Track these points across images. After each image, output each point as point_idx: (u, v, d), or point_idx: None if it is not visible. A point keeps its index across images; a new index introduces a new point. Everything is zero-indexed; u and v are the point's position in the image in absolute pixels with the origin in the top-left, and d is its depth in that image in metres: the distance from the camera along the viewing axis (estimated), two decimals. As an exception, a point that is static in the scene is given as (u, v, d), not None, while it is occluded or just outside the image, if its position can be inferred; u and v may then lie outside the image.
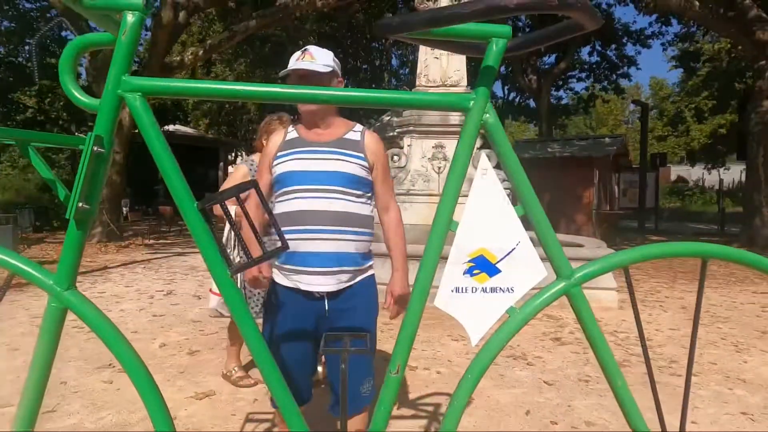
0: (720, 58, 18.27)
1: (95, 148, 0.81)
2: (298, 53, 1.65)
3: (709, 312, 5.24)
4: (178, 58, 12.40)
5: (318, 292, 1.60)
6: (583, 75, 21.59)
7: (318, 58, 1.61)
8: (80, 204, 0.82)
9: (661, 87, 36.50)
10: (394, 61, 22.71)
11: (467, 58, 7.05)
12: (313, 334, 1.62)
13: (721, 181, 19.81)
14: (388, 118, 12.28)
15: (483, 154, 0.95)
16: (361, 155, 1.65)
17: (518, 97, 23.99)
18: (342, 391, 0.96)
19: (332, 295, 1.60)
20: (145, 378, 0.90)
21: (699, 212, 23.41)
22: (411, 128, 6.80)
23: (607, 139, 11.28)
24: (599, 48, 20.00)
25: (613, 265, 0.96)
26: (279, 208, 1.64)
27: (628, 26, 19.35)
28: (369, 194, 1.69)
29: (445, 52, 6.96)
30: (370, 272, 1.69)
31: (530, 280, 0.94)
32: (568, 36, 0.95)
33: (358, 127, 1.75)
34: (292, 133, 1.72)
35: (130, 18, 0.84)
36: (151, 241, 10.68)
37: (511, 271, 0.93)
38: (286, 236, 1.43)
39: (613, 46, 19.77)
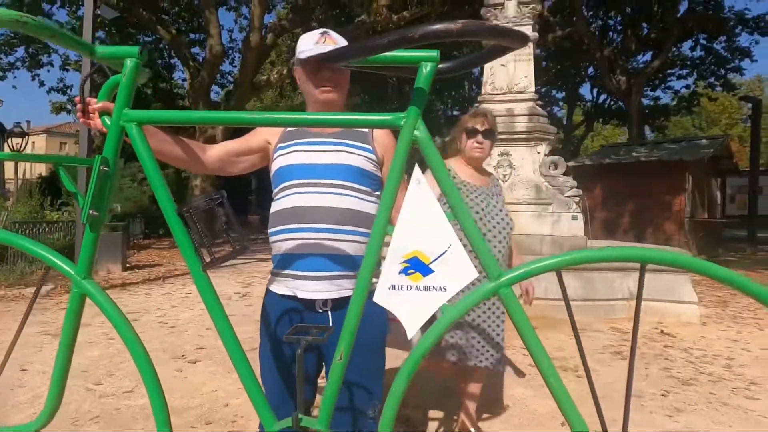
0: None
1: (102, 168, 1.04)
2: (314, 35, 1.42)
3: (812, 333, 4.65)
4: (265, 77, 13.40)
5: (319, 302, 1.39)
6: (685, 72, 19.89)
7: (340, 43, 1.40)
8: (91, 212, 1.04)
9: (784, 80, 32.39)
10: (475, 69, 22.57)
11: (534, 64, 6.90)
12: (316, 350, 1.46)
13: None
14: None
15: (417, 166, 1.04)
16: (369, 147, 1.46)
17: (608, 100, 22.65)
18: (298, 385, 1.09)
19: (336, 306, 1.39)
20: (146, 361, 1.09)
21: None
22: (477, 136, 6.79)
23: (704, 141, 10.31)
24: (703, 41, 18.32)
25: (544, 268, 1.00)
26: (277, 206, 1.44)
27: (742, 14, 17.45)
28: (378, 192, 1.47)
29: (512, 59, 6.88)
30: (376, 280, 1.40)
31: (462, 280, 1.01)
32: (498, 56, 1.02)
33: None
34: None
35: (129, 63, 1.06)
36: (238, 247, 11.54)
37: (443, 271, 1.02)
38: (283, 236, 1.39)
39: (723, 38, 17.99)
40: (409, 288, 1.02)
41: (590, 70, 21.06)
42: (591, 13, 18.36)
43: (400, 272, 1.02)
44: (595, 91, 22.63)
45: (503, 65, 6.91)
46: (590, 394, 1.03)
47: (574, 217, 6.26)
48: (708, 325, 4.83)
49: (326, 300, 1.39)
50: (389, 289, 1.03)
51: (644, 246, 7.00)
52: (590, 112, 23.31)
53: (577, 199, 6.35)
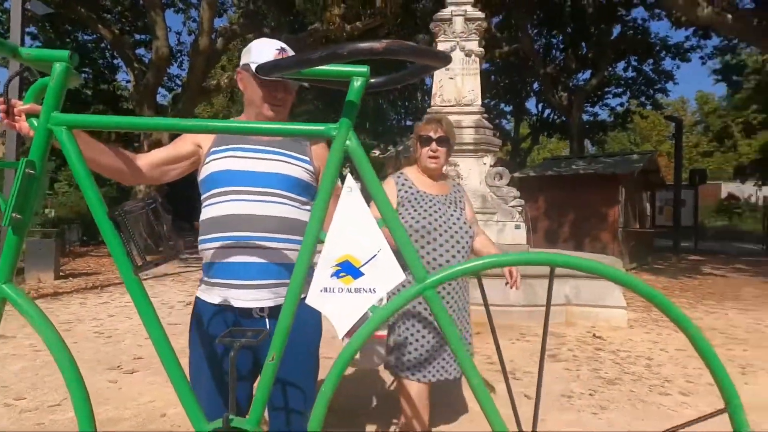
0: (765, 71, 17.55)
1: (27, 170, 1.02)
2: (272, 49, 1.42)
3: (727, 333, 5.08)
4: (215, 82, 13.12)
5: (256, 309, 1.39)
6: (619, 90, 21.20)
7: None
8: (14, 215, 1.02)
9: (706, 101, 35.18)
10: (428, 80, 23.06)
11: (481, 77, 7.17)
12: (253, 361, 1.44)
13: (766, 198, 18.82)
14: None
15: (348, 174, 1.10)
16: (307, 159, 1.49)
17: (552, 114, 23.73)
18: (231, 386, 1.11)
19: (273, 313, 1.38)
20: (72, 369, 1.07)
21: (750, 232, 22.26)
22: (425, 147, 6.95)
23: (635, 156, 11.04)
24: (635, 63, 19.62)
25: (465, 271, 1.08)
26: (209, 212, 1.43)
27: (665, 40, 18.93)
28: (309, 200, 1.50)
29: (460, 73, 7.12)
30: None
31: (390, 283, 1.07)
32: (424, 74, 1.10)
33: None
34: None
35: (58, 67, 1.05)
36: (186, 256, 11.18)
37: (373, 274, 1.07)
38: (217, 243, 1.39)
39: (650, 61, 19.36)
40: (340, 290, 1.07)
41: (535, 85, 22.02)
42: (536, 31, 19.24)
43: (332, 275, 1.07)
44: (540, 105, 23.69)
45: (451, 78, 7.13)
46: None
47: (517, 226, 6.52)
48: (634, 328, 5.15)
49: (263, 308, 1.40)
50: (321, 291, 1.07)
51: (579, 254, 7.39)
52: (536, 125, 24.31)
53: (519, 209, 6.63)
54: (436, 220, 2.03)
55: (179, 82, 19.01)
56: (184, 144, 1.46)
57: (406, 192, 2.09)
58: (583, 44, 17.73)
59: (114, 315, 5.26)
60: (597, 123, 22.51)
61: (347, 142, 1.05)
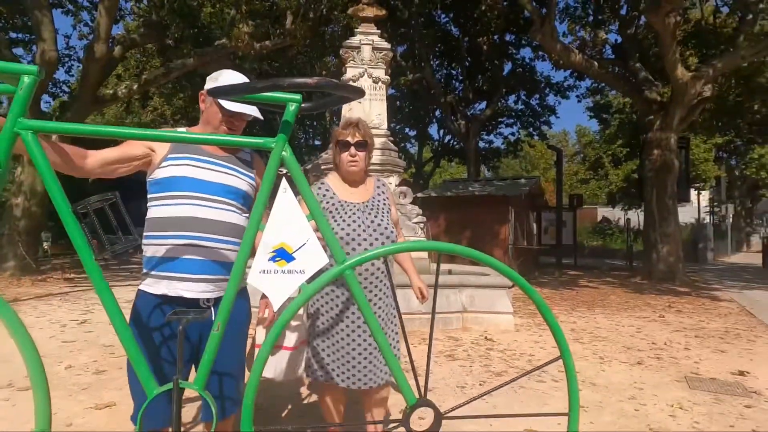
0: (626, 110, 20.44)
1: (-7, 167, 1.16)
2: (241, 80, 1.64)
3: (593, 333, 5.90)
4: (111, 91, 12.42)
5: (203, 300, 1.60)
6: (511, 121, 23.31)
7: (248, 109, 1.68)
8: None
9: (584, 134, 39.70)
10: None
11: (387, 102, 7.69)
12: (196, 346, 1.63)
13: (628, 220, 21.70)
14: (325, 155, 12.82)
15: (284, 179, 1.35)
16: (252, 175, 1.75)
17: (452, 140, 25.36)
18: (178, 355, 1.30)
19: (217, 303, 1.55)
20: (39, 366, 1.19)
21: (618, 250, 25.32)
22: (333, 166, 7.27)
23: (522, 180, 12.34)
24: (523, 97, 21.75)
25: (376, 255, 1.38)
26: (160, 211, 1.59)
27: (549, 78, 21.30)
28: (249, 210, 1.72)
29: (368, 99, 7.59)
30: (244, 284, 1.68)
31: (316, 265, 1.35)
32: (343, 103, 1.40)
33: (248, 148, 1.82)
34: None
35: (26, 79, 1.20)
36: (72, 275, 10.33)
37: (302, 258, 1.34)
38: (168, 241, 1.56)
39: (537, 96, 21.61)
40: (275, 272, 1.32)
41: (438, 112, 23.51)
42: (437, 62, 20.67)
43: (269, 259, 1.32)
44: (441, 131, 25.26)
45: (360, 102, 7.55)
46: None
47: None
48: (520, 331, 5.82)
49: (209, 298, 1.63)
50: (260, 273, 1.31)
51: (473, 268, 8.09)
52: (437, 150, 25.80)
53: (422, 225, 7.16)
54: (354, 230, 2.06)
55: (66, 89, 17.59)
56: (137, 147, 1.61)
57: (327, 202, 2.13)
58: (479, 77, 19.36)
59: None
60: (492, 150, 24.44)
61: (283, 153, 1.32)
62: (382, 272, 2.17)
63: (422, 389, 1.41)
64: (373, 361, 2.13)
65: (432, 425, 1.37)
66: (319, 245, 1.34)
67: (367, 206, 2.15)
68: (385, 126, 7.55)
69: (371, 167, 7.42)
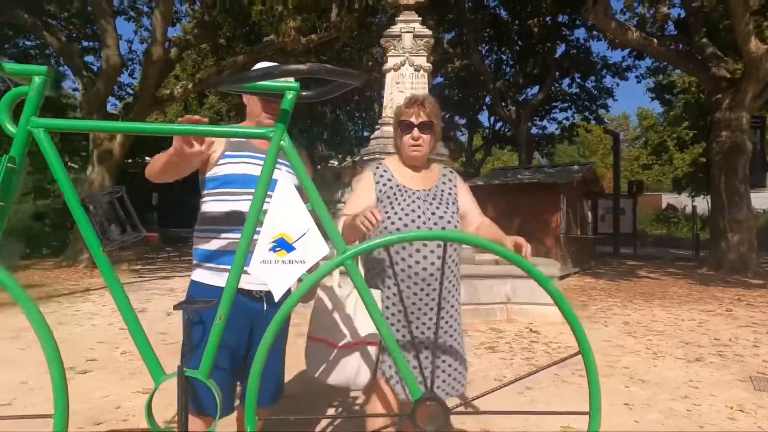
0: (691, 90, 19.07)
1: (9, 165, 1.22)
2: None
3: (648, 326, 5.58)
4: (168, 92, 13.03)
5: (257, 292, 1.65)
6: (565, 105, 22.37)
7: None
8: (-2, 202, 1.22)
9: (646, 117, 37.49)
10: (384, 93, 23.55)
11: (434, 91, 7.56)
12: (248, 338, 1.66)
13: (694, 207, 20.32)
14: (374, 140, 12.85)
15: (283, 167, 1.34)
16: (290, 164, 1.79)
17: (504, 127, 24.72)
18: (185, 346, 1.33)
19: (270, 297, 1.62)
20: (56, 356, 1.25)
21: (684, 239, 23.84)
22: (377, 156, 7.27)
23: (575, 167, 11.80)
24: (578, 80, 20.79)
25: (378, 245, 1.35)
26: (217, 206, 1.65)
27: (606, 59, 20.23)
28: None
29: (410, 87, 7.50)
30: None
31: (316, 255, 1.33)
32: (344, 89, 1.37)
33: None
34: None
35: (37, 80, 1.26)
36: (138, 266, 11.00)
37: (303, 249, 1.32)
38: (225, 235, 1.62)
39: (592, 78, 20.59)
40: (276, 262, 1.32)
41: (487, 99, 22.96)
42: (486, 47, 20.16)
43: (269, 249, 1.31)
44: (492, 118, 24.66)
45: (401, 91, 7.49)
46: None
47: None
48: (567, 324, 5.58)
49: (260, 291, 1.66)
50: (261, 263, 1.31)
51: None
52: (488, 137, 25.24)
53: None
54: (414, 221, 1.80)
55: (131, 91, 18.64)
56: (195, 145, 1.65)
57: (384, 186, 1.88)
58: (530, 61, 18.69)
59: (65, 323, 5.23)
60: (545, 136, 23.60)
61: (282, 142, 1.31)
62: (454, 262, 1.87)
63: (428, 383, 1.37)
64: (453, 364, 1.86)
65: (438, 422, 1.33)
66: (320, 235, 1.33)
67: (429, 194, 1.88)
68: (428, 115, 7.43)
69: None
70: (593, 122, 22.96)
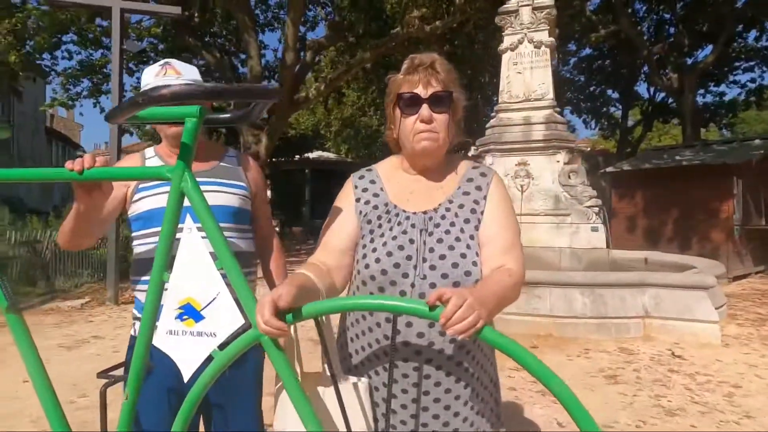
0: None
1: None
2: (155, 67, 1.40)
3: None
4: (303, 94, 13.78)
5: None
6: (751, 64, 18.36)
7: (183, 73, 1.39)
8: None
9: None
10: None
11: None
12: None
13: None
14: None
15: (188, 215, 1.07)
16: (242, 184, 1.48)
17: (668, 98, 21.31)
18: (101, 423, 1.15)
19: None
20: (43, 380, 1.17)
21: None
22: (492, 146, 6.66)
23: (756, 141, 9.45)
24: (769, 31, 16.85)
25: (308, 315, 0.99)
26: (143, 251, 1.40)
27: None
28: (250, 227, 1.51)
29: (529, 66, 6.71)
30: None
31: (229, 327, 1.04)
32: (266, 107, 1.05)
33: (232, 151, 1.55)
34: (153, 159, 1.45)
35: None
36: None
37: (213, 317, 1.04)
38: None
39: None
40: (183, 333, 1.06)
41: (645, 68, 19.96)
42: (644, 7, 17.49)
43: (176, 317, 1.06)
44: (652, 89, 21.39)
45: (519, 73, 6.77)
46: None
47: (594, 229, 5.98)
48: (730, 346, 4.43)
49: None
50: (167, 333, 1.07)
51: (680, 257, 6.54)
52: (647, 111, 22.03)
53: (596, 209, 6.07)
54: (398, 264, 1.14)
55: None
56: (107, 185, 1.43)
57: (367, 205, 1.23)
58: (699, 18, 15.67)
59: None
60: (722, 104, 19.77)
61: (182, 183, 1.04)
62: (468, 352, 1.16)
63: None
64: None
65: None
66: (233, 301, 1.04)
67: (436, 216, 1.17)
68: (551, 96, 6.59)
69: (534, 144, 6.67)
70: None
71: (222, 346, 1.05)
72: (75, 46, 13.96)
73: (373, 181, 1.27)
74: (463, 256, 1.13)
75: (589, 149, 9.35)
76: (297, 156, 21.61)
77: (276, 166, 18.92)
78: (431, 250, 1.14)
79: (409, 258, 1.14)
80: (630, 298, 4.76)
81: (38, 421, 2.84)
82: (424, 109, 1.14)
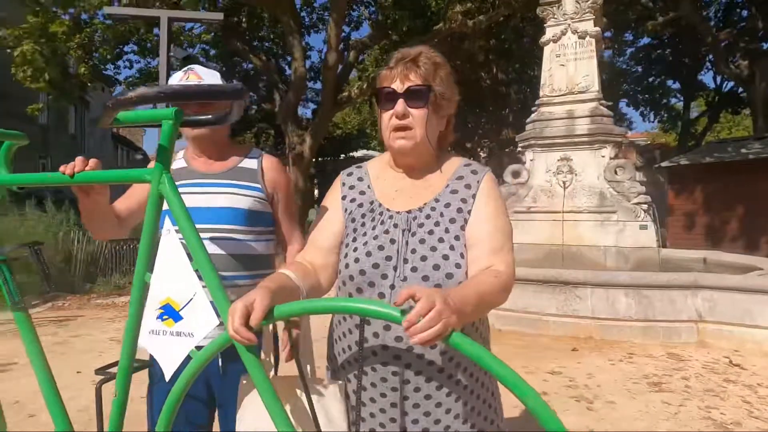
0: None
1: None
2: (180, 73, 1.45)
3: None
4: (346, 94, 13.92)
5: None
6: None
7: (204, 77, 1.42)
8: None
9: None
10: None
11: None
12: (204, 400, 1.43)
13: None
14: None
15: (167, 217, 1.07)
16: (258, 186, 1.47)
17: (736, 87, 19.86)
18: (97, 419, 1.19)
19: (228, 353, 1.13)
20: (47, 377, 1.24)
21: None
22: (533, 141, 6.45)
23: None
24: None
25: (279, 316, 0.98)
26: None
27: None
28: (270, 228, 1.51)
29: (573, 58, 6.44)
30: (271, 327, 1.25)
31: (205, 328, 1.04)
32: (232, 116, 1.04)
33: (255, 152, 1.54)
34: (179, 161, 1.51)
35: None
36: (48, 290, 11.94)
37: (191, 318, 1.05)
38: None
39: None
40: (164, 333, 1.07)
41: (711, 56, 18.67)
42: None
43: (157, 317, 1.08)
44: (719, 78, 19.98)
45: (562, 65, 6.51)
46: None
47: (643, 227, 5.66)
48: None
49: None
50: (149, 333, 1.09)
51: (744, 257, 6.06)
52: (713, 102, 20.63)
53: (645, 206, 5.74)
54: (377, 265, 1.10)
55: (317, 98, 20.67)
56: (138, 189, 1.49)
57: (353, 202, 1.20)
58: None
59: None
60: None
61: (161, 185, 1.05)
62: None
63: None
64: None
65: None
66: (208, 302, 1.04)
67: (420, 215, 1.13)
68: (596, 88, 6.30)
69: (578, 138, 6.39)
70: None
71: (199, 347, 1.06)
72: (135, 56, 14.74)
73: (360, 179, 1.25)
74: (446, 257, 1.08)
75: (648, 143, 8.85)
76: (342, 155, 21.88)
77: (322, 166, 19.21)
78: (413, 251, 1.10)
79: (388, 259, 1.10)
80: (681, 300, 4.46)
81: (84, 410, 3.00)
82: (399, 105, 1.11)
